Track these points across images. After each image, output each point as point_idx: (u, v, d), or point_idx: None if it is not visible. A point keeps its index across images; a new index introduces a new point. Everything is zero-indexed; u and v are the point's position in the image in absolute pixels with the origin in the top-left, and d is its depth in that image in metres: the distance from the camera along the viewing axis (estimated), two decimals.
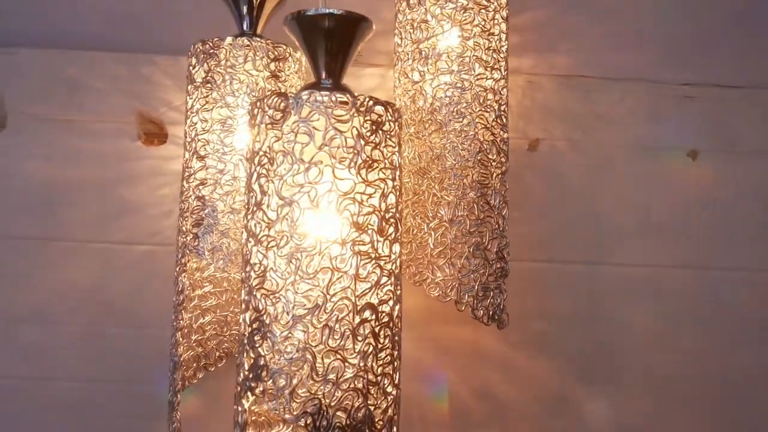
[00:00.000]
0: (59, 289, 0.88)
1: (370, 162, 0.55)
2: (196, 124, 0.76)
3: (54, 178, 0.89)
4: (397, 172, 0.59)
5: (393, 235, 0.57)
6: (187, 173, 0.76)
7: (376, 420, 0.54)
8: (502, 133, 0.76)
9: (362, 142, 0.55)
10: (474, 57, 0.74)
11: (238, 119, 0.75)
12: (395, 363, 0.57)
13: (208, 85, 0.76)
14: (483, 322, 0.74)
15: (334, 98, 0.55)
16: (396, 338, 0.57)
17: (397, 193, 0.59)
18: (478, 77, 0.74)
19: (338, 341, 0.53)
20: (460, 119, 0.75)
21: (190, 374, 0.82)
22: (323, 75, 0.61)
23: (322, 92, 0.56)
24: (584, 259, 0.90)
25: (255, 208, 0.55)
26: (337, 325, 0.53)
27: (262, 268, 0.54)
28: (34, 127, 0.89)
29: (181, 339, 0.74)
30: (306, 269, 0.53)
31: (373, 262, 0.55)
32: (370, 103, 0.56)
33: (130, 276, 0.88)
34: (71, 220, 0.88)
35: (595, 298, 0.89)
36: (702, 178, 0.92)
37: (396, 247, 0.58)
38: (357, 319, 0.53)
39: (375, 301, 0.55)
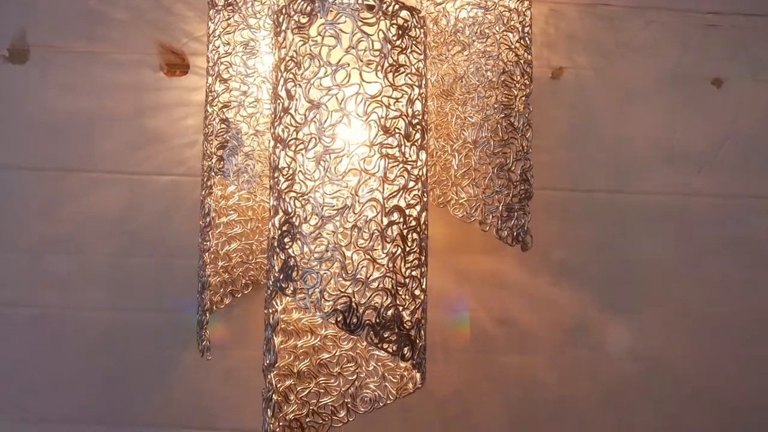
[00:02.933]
0: (85, 220, 0.89)
1: (396, 66, 0.55)
2: (218, 47, 0.76)
3: (77, 110, 0.89)
4: (423, 80, 0.59)
5: (420, 142, 0.58)
6: (210, 97, 0.77)
7: (405, 320, 0.54)
8: (525, 54, 0.76)
9: (389, 46, 0.55)
10: None
11: (261, 41, 0.75)
12: (422, 268, 0.57)
13: (230, 8, 0.76)
14: (507, 243, 0.74)
15: (360, 1, 0.55)
16: (423, 244, 0.58)
17: (424, 101, 0.59)
18: None
19: (367, 242, 0.53)
20: (484, 40, 0.74)
21: (217, 299, 0.83)
22: None
23: None
24: (607, 187, 0.89)
25: (282, 113, 0.56)
26: (365, 226, 0.53)
27: (290, 171, 0.54)
28: (56, 59, 0.89)
29: (208, 260, 0.75)
30: (334, 171, 0.53)
31: (401, 166, 0.55)
32: (396, 7, 0.55)
33: (156, 206, 0.89)
34: (95, 152, 0.89)
35: (617, 226, 0.89)
36: (726, 107, 0.91)
37: (423, 155, 0.58)
38: (385, 221, 0.54)
39: (402, 204, 0.55)
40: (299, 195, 0.54)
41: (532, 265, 0.89)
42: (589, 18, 0.91)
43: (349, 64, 0.54)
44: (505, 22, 0.74)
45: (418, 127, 0.57)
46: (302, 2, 0.55)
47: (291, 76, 0.55)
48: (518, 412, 0.89)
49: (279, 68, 0.57)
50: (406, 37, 0.56)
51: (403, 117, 0.56)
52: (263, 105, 0.76)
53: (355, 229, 0.53)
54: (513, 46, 0.74)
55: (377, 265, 0.54)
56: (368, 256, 0.53)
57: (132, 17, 0.90)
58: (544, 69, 0.90)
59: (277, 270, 0.55)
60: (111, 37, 0.90)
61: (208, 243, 0.76)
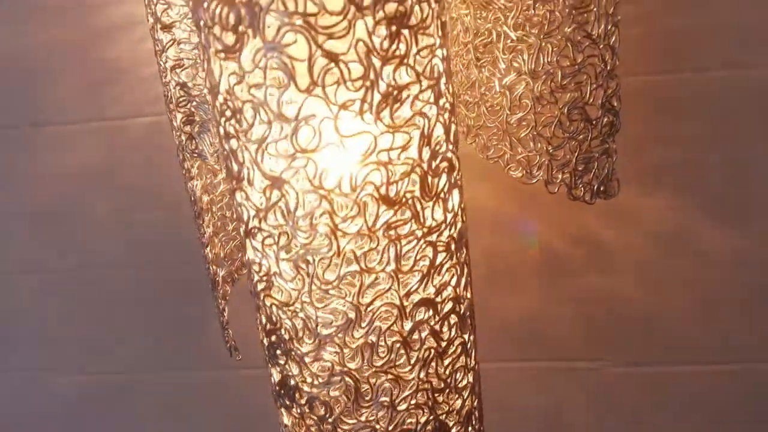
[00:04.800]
0: (69, 177, 0.75)
1: (395, 92, 0.34)
2: None
3: (19, 49, 0.69)
4: (443, 80, 0.37)
5: (447, 185, 0.38)
6: (156, 47, 0.55)
7: (451, 425, 0.41)
8: None
9: (377, 64, 0.33)
10: None
11: None
12: (468, 346, 0.42)
13: None
14: (585, 201, 0.55)
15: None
16: (467, 315, 0.42)
17: (447, 115, 0.37)
18: None
19: (386, 357, 0.38)
20: None
21: (236, 267, 0.71)
22: None
23: None
24: (724, 63, 0.64)
25: (234, 184, 0.37)
26: (380, 340, 0.37)
27: (263, 270, 0.38)
28: None
29: (210, 254, 0.61)
30: (323, 276, 0.36)
31: (421, 242, 0.37)
32: None
33: (142, 154, 0.73)
34: (55, 100, 0.71)
35: (733, 114, 0.66)
36: None
37: (455, 195, 0.39)
38: (408, 325, 0.38)
39: (431, 292, 0.38)
40: (282, 304, 0.38)
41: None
42: None
43: (314, 115, 0.33)
44: None
45: (444, 163, 0.37)
46: (221, 7, 0.32)
47: (232, 130, 0.35)
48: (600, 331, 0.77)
49: (215, 106, 0.36)
50: (406, 31, 0.33)
51: (418, 166, 0.36)
52: None
53: (367, 347, 0.37)
54: None
55: (404, 382, 0.39)
56: (390, 375, 0.38)
57: None
58: None
59: (275, 381, 0.41)
60: None
61: (206, 235, 0.61)
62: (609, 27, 0.51)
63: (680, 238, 0.71)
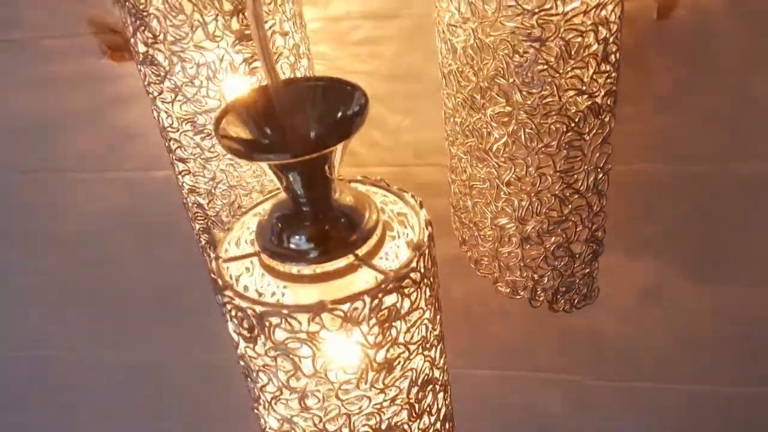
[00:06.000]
0: (95, 217, 0.81)
1: (387, 365, 0.40)
2: (160, 112, 0.55)
3: (22, 112, 0.72)
4: (434, 332, 0.42)
5: (434, 400, 0.45)
6: (171, 159, 0.58)
7: None
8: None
9: (371, 353, 0.38)
10: None
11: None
12: None
13: (153, 67, 0.51)
14: (563, 311, 0.61)
15: (314, 320, 0.36)
16: None
17: (432, 339, 0.43)
18: None
19: None
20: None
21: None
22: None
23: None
24: (724, 156, 0.66)
25: (252, 401, 0.44)
26: None
27: None
28: None
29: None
30: None
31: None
32: (377, 301, 0.36)
33: (162, 200, 0.78)
34: (70, 154, 0.75)
35: (715, 201, 0.69)
36: None
37: (440, 398, 0.46)
38: None
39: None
40: None
41: None
42: None
43: (319, 390, 0.39)
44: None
45: (430, 388, 0.44)
46: (232, 308, 0.37)
47: (256, 391, 0.42)
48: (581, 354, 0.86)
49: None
50: (398, 322, 0.38)
51: (408, 403, 0.42)
52: (242, 188, 0.57)
53: None
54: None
55: None
56: None
57: None
58: (646, 2, 0.58)
59: None
60: (22, 18, 0.65)
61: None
62: (599, 176, 0.54)
63: (659, 292, 0.77)
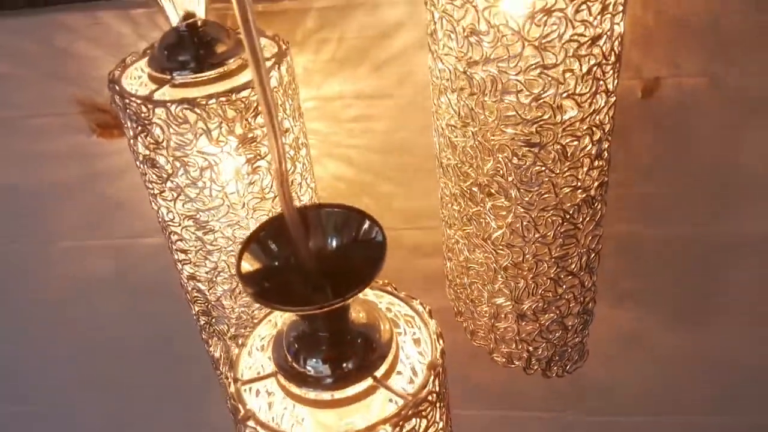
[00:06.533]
0: (84, 283, 0.80)
1: None
2: (160, 207, 0.55)
3: (19, 185, 0.71)
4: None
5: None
6: (173, 248, 0.58)
7: None
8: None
9: None
10: None
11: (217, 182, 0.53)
12: None
13: (155, 169, 0.51)
14: (556, 376, 0.64)
15: None
16: None
17: None
18: None
19: None
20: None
21: None
22: None
23: None
24: (700, 221, 0.69)
25: None
26: None
27: None
28: None
29: None
30: None
31: None
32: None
33: (152, 266, 0.78)
34: (61, 223, 0.74)
35: (693, 263, 0.72)
36: None
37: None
38: None
39: None
40: None
41: None
42: None
43: None
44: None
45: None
46: None
47: None
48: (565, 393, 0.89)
49: None
50: None
51: None
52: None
53: None
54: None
55: None
56: None
57: (26, 69, 0.62)
58: (632, 83, 0.60)
59: None
60: (12, 99, 0.64)
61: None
62: (591, 257, 0.56)
63: (640, 339, 0.81)
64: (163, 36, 0.52)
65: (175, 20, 0.50)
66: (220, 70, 0.50)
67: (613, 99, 0.48)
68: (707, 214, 0.68)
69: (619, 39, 0.46)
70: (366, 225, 0.39)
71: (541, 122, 0.46)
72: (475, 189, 0.52)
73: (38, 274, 0.79)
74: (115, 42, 0.60)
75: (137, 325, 0.85)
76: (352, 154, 0.67)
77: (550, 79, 0.44)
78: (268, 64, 0.51)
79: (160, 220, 0.56)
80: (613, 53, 0.46)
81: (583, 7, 0.42)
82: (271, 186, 0.53)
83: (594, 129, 0.48)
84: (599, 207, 0.54)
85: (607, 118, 0.49)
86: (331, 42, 0.60)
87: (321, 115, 0.64)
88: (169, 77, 0.50)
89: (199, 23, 0.51)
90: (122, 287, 0.81)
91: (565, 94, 0.45)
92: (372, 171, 0.68)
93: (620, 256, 0.72)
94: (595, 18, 0.43)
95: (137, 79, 0.54)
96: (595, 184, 0.52)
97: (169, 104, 0.47)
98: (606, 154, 0.51)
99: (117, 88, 0.50)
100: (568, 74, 0.44)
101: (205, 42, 0.50)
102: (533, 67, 0.44)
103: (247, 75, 0.51)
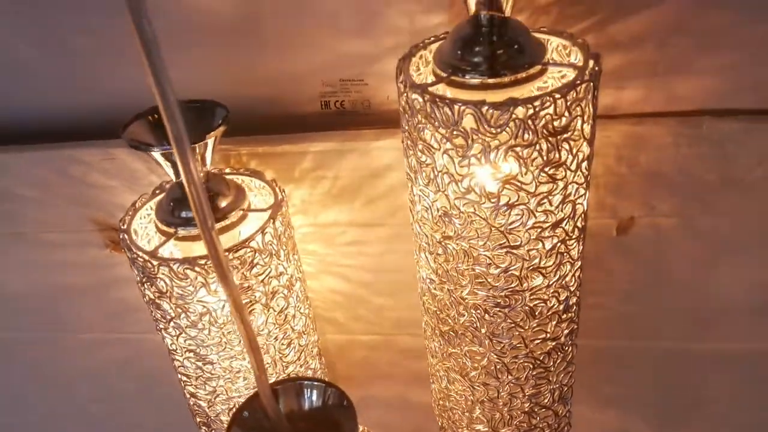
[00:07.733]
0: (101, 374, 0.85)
1: None
2: (165, 338, 0.60)
3: (35, 289, 0.77)
4: None
5: None
6: (176, 370, 0.63)
7: None
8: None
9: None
10: None
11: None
12: None
13: (159, 311, 0.56)
14: None
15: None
16: None
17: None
18: None
19: None
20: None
21: None
22: None
23: None
24: (675, 337, 0.72)
25: None
26: None
27: None
28: None
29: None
30: None
31: None
32: None
33: (159, 357, 0.83)
34: (77, 318, 0.80)
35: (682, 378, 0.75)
36: None
37: None
38: None
39: None
40: None
41: None
42: (688, 143, 0.59)
43: None
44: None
45: None
46: None
47: None
48: None
49: None
50: None
51: None
52: (241, 398, 0.63)
53: None
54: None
55: None
56: None
57: (44, 194, 0.68)
58: (607, 221, 0.64)
59: None
60: (33, 216, 0.70)
61: None
62: (564, 390, 0.60)
63: None
64: (169, 188, 0.57)
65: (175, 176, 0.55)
66: (221, 224, 0.55)
67: (578, 264, 0.52)
68: (688, 331, 0.71)
69: (583, 216, 0.50)
70: (333, 394, 0.43)
71: (510, 289, 0.50)
72: (452, 335, 0.56)
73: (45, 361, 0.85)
74: (128, 176, 0.65)
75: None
76: (347, 272, 0.71)
77: (515, 256, 0.48)
78: (264, 216, 0.56)
79: (166, 346, 0.61)
80: (576, 229, 0.50)
81: (545, 201, 0.46)
82: (266, 323, 0.58)
83: (560, 291, 0.52)
84: (570, 350, 0.58)
85: (573, 280, 0.53)
86: (326, 180, 0.64)
87: (317, 238, 0.69)
88: (173, 231, 0.55)
89: (203, 178, 0.55)
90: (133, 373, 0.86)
91: (530, 268, 0.49)
92: (365, 286, 0.72)
93: (601, 364, 0.76)
94: (557, 207, 0.47)
95: (146, 218, 0.59)
96: (565, 332, 0.56)
97: (171, 263, 0.52)
98: (575, 308, 0.55)
99: (126, 238, 0.55)
100: (533, 251, 0.48)
101: (208, 197, 0.55)
102: (500, 246, 0.48)
103: (247, 230, 0.56)
